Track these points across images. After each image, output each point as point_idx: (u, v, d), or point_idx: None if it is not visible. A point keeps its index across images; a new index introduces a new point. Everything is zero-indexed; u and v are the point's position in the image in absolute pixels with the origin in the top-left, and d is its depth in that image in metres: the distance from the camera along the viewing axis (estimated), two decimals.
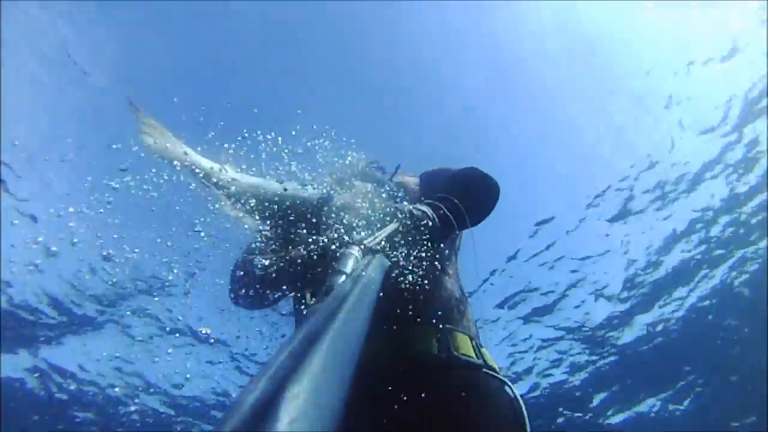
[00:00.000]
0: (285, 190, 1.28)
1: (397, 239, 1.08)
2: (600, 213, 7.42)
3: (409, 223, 1.09)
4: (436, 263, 1.32)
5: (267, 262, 1.25)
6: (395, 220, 1.09)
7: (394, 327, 1.14)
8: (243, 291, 1.33)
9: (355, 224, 1.27)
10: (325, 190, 1.35)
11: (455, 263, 1.52)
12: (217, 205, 1.26)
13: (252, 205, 1.28)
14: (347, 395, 0.39)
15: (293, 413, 0.29)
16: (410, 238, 1.10)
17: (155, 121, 1.25)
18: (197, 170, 1.25)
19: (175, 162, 1.22)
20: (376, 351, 1.11)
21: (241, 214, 1.30)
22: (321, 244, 1.24)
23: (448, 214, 1.21)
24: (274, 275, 1.26)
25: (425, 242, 1.14)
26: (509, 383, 1.14)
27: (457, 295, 1.37)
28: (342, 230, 1.25)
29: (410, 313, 1.18)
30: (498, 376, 1.14)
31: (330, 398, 0.35)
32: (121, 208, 1.32)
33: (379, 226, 1.14)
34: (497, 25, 7.55)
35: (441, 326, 1.19)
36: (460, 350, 1.14)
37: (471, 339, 1.20)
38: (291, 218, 1.30)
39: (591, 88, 7.64)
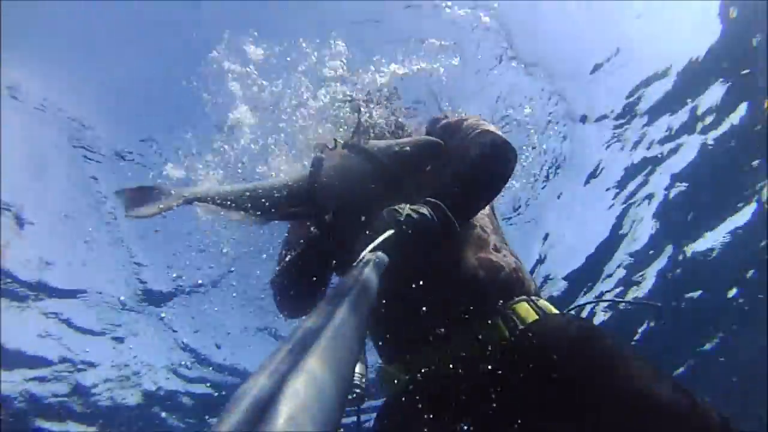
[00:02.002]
0: (272, 189, 1.34)
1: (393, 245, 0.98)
2: None
3: (407, 229, 1.01)
4: (482, 252, 1.28)
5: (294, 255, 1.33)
6: (392, 225, 1.01)
7: (462, 330, 1.16)
8: (291, 297, 1.37)
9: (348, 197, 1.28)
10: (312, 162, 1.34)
11: (496, 225, 1.44)
12: (222, 213, 1.36)
13: (253, 209, 1.34)
14: (347, 393, 0.39)
15: (292, 410, 0.29)
16: (409, 246, 1.02)
17: (136, 192, 1.35)
18: (195, 203, 1.36)
19: (173, 207, 1.33)
20: (454, 359, 1.14)
21: (248, 218, 1.36)
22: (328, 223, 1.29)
23: (450, 215, 1.10)
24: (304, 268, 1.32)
25: (425, 246, 1.06)
26: (572, 314, 1.20)
27: (512, 265, 1.29)
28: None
29: (473, 309, 1.18)
30: (561, 314, 1.19)
31: (329, 396, 0.35)
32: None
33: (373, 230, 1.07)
34: None
35: (504, 307, 1.18)
36: (526, 321, 1.15)
37: (529, 301, 1.20)
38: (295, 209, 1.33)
39: None
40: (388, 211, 1.06)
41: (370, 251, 0.86)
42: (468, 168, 1.23)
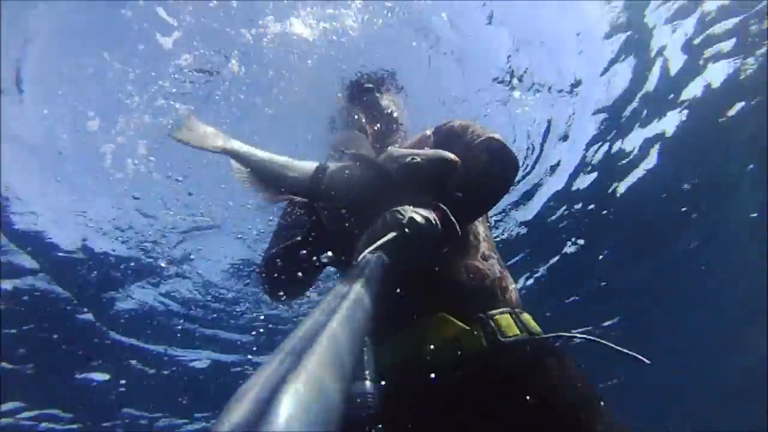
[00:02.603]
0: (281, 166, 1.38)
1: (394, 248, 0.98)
2: None
3: (409, 232, 1.00)
4: (471, 259, 1.29)
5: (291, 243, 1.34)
6: (395, 227, 1.00)
7: (437, 332, 1.17)
8: (281, 284, 1.38)
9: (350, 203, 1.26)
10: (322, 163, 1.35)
11: (488, 234, 1.45)
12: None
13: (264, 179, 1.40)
14: (348, 393, 0.39)
15: (292, 410, 0.29)
16: (410, 250, 1.02)
17: (190, 121, 1.48)
18: (231, 154, 1.43)
19: (210, 149, 1.43)
20: (425, 362, 1.14)
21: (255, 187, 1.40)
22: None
23: (453, 220, 1.09)
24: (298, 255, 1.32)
25: (426, 250, 1.06)
26: (558, 334, 1.20)
27: (497, 275, 1.30)
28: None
29: (450, 309, 1.19)
30: (541, 337, 1.19)
31: (330, 396, 0.34)
32: None
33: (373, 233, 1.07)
34: None
35: (483, 315, 1.19)
36: (505, 333, 1.16)
37: (512, 314, 1.22)
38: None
39: None
40: (391, 212, 1.04)
41: (371, 251, 0.86)
42: (476, 174, 1.23)
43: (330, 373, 0.36)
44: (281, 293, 1.41)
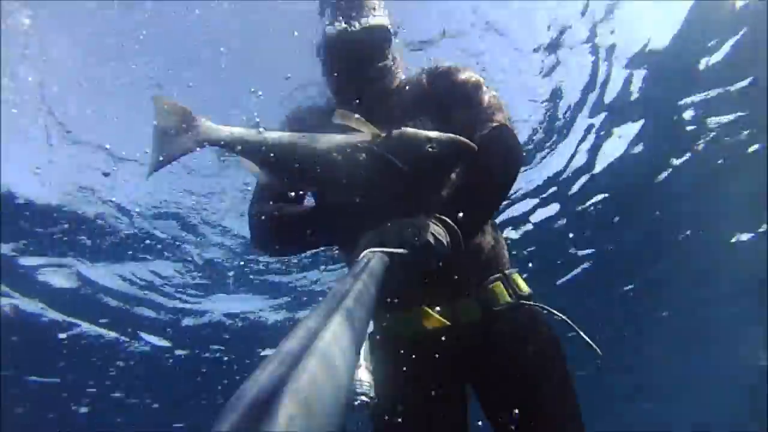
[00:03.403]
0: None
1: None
2: None
3: (419, 254, 1.00)
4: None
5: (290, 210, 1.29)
6: (408, 246, 0.98)
7: (436, 302, 1.24)
8: (271, 241, 1.38)
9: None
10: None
11: None
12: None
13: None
14: (349, 393, 0.39)
15: (293, 410, 0.29)
16: (415, 267, 1.02)
17: (174, 110, 1.23)
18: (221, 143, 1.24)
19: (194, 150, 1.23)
20: (427, 330, 1.24)
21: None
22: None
23: (461, 242, 1.09)
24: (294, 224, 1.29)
25: (429, 267, 1.05)
26: (542, 306, 1.34)
27: (491, 243, 1.37)
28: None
29: (449, 284, 1.26)
30: (530, 304, 1.34)
31: (331, 395, 0.34)
32: None
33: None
34: None
35: (481, 287, 1.31)
36: (499, 300, 1.30)
37: (503, 280, 1.33)
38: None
39: None
40: (408, 228, 1.02)
41: (372, 252, 0.86)
42: (490, 185, 1.22)
43: (331, 373, 0.36)
44: (270, 248, 1.42)
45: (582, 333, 1.26)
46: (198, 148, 1.22)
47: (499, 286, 1.30)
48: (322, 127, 1.20)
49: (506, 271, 1.35)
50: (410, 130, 1.13)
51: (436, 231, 1.05)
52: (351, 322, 0.47)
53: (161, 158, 1.21)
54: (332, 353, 0.39)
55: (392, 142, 1.11)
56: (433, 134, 1.11)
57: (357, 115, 1.12)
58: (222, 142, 1.22)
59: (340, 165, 1.14)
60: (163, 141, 1.21)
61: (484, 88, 1.38)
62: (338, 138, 1.16)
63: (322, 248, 1.53)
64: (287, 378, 0.32)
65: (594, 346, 1.27)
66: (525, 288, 1.35)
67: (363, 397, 0.83)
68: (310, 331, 0.41)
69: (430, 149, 1.09)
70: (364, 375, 0.83)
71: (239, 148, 1.22)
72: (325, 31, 1.42)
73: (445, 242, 1.05)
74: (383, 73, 1.42)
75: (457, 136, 1.12)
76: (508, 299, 1.29)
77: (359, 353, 0.48)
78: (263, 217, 1.32)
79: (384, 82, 1.43)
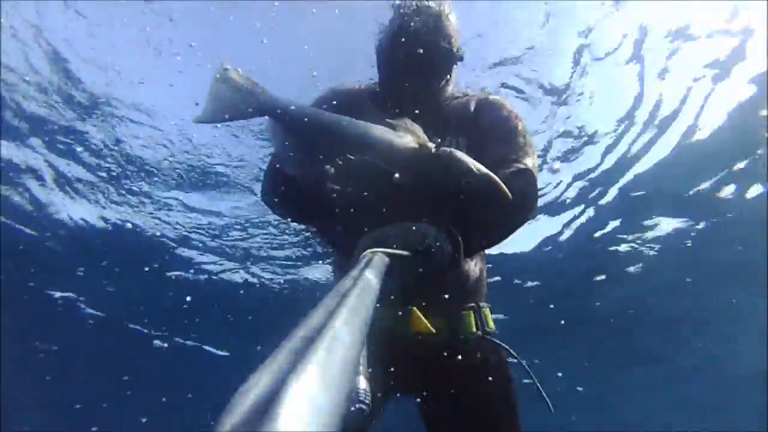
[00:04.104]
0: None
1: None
2: None
3: (422, 258, 1.00)
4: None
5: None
6: (412, 249, 0.98)
7: (407, 314, 1.26)
8: (273, 202, 1.37)
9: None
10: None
11: None
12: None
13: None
14: (349, 394, 0.39)
15: (293, 410, 0.29)
16: (415, 272, 1.02)
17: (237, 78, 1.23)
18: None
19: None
20: (395, 334, 1.27)
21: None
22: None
23: (461, 254, 1.10)
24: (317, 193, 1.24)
25: (428, 273, 1.06)
26: (501, 345, 1.41)
27: (477, 274, 1.41)
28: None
29: (430, 301, 1.27)
30: (492, 340, 1.40)
31: (331, 396, 0.34)
32: None
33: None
34: None
35: (453, 310, 1.35)
36: (465, 330, 1.35)
37: (476, 311, 1.38)
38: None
39: None
40: (415, 231, 1.03)
41: (373, 252, 0.85)
42: (502, 216, 1.23)
43: (332, 373, 0.36)
44: (272, 206, 1.42)
45: (537, 384, 1.35)
46: (255, 116, 1.21)
47: (470, 316, 1.36)
48: (361, 112, 1.19)
49: (480, 303, 1.40)
50: (457, 153, 1.12)
51: (440, 238, 1.05)
52: (353, 321, 0.47)
53: (213, 114, 1.22)
54: (334, 352, 0.38)
55: (438, 160, 1.11)
56: (476, 167, 1.11)
57: (412, 124, 1.16)
58: (280, 114, 1.20)
59: (388, 160, 1.13)
60: (217, 99, 1.22)
61: (522, 131, 1.41)
62: (391, 135, 1.15)
63: (317, 238, 1.53)
64: (288, 378, 0.32)
65: (547, 400, 1.35)
66: (492, 324, 1.41)
67: (361, 405, 0.82)
68: (312, 330, 0.41)
69: (464, 183, 1.09)
70: (362, 383, 0.82)
71: (295, 123, 1.19)
72: (390, 23, 1.41)
73: (447, 252, 1.05)
74: (438, 89, 1.45)
75: (498, 179, 1.11)
76: (474, 330, 1.36)
77: (361, 352, 0.48)
78: (275, 169, 1.33)
79: (436, 96, 1.46)
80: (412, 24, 1.34)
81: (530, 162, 1.34)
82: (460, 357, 1.34)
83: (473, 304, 1.38)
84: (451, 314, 1.34)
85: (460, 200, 1.13)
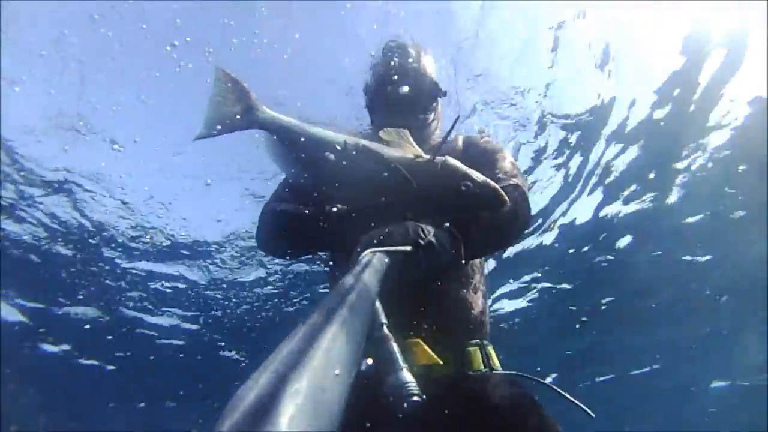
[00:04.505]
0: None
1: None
2: None
3: (422, 254, 1.00)
4: (464, 288, 1.32)
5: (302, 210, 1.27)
6: (412, 243, 0.98)
7: (413, 355, 1.17)
8: (270, 242, 1.40)
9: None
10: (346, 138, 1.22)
11: (482, 263, 1.47)
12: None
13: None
14: (349, 393, 0.39)
15: (293, 410, 0.29)
16: (413, 269, 1.01)
17: (230, 82, 1.26)
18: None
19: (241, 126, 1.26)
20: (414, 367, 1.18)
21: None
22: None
23: (461, 254, 1.09)
24: (304, 228, 1.27)
25: (427, 273, 1.05)
26: (513, 376, 1.29)
27: (480, 308, 1.37)
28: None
29: (432, 333, 1.22)
30: (502, 372, 1.29)
31: (331, 396, 0.34)
32: None
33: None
34: None
35: (458, 344, 1.27)
36: (472, 366, 1.26)
37: (481, 347, 1.30)
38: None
39: None
40: (415, 227, 1.03)
41: (373, 252, 0.85)
42: (499, 220, 1.23)
43: (332, 373, 0.36)
44: (269, 248, 1.44)
45: (569, 396, 1.21)
46: (250, 128, 1.23)
47: (476, 351, 1.29)
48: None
49: (484, 341, 1.35)
50: (453, 160, 1.14)
51: (441, 235, 1.05)
52: (352, 322, 0.47)
53: (211, 130, 1.22)
54: (333, 353, 0.38)
55: (432, 167, 1.13)
56: (473, 172, 1.12)
57: (403, 131, 1.15)
58: (276, 129, 1.24)
59: (384, 172, 1.15)
60: (216, 112, 1.23)
61: (508, 157, 1.48)
62: (387, 149, 1.18)
63: (316, 255, 1.49)
64: (288, 378, 0.32)
65: (585, 408, 1.20)
66: (497, 363, 1.34)
67: (415, 398, 0.81)
68: (311, 331, 0.41)
69: (463, 187, 1.10)
70: (407, 377, 0.81)
71: (291, 138, 1.23)
72: (374, 67, 1.50)
73: (448, 248, 1.05)
74: (423, 125, 1.50)
75: (495, 184, 1.11)
76: (481, 366, 1.27)
77: (360, 353, 0.48)
78: (275, 211, 1.34)
79: (422, 133, 1.49)
80: (394, 63, 1.44)
81: (521, 181, 1.41)
82: (474, 395, 1.22)
83: (478, 341, 1.32)
84: (456, 349, 1.27)
85: (458, 206, 1.13)
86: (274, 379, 0.32)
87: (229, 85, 1.24)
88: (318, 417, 0.31)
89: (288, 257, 1.49)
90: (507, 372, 1.29)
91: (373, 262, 0.77)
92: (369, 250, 0.85)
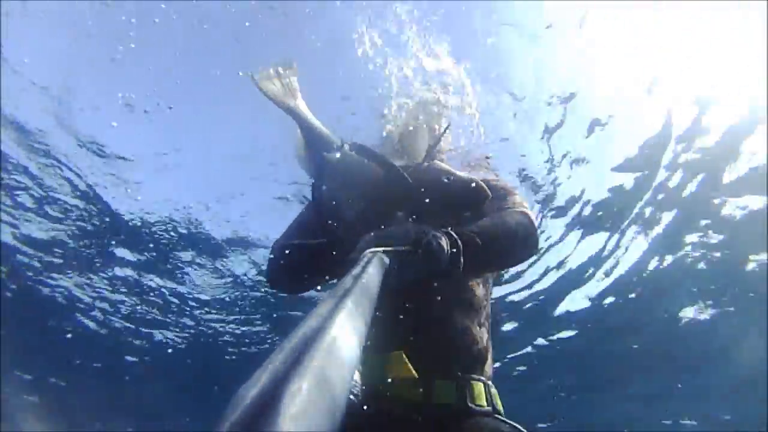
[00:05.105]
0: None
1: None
2: None
3: (421, 254, 0.99)
4: (467, 318, 1.31)
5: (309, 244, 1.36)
6: (412, 244, 0.99)
7: (417, 377, 1.13)
8: (282, 276, 1.45)
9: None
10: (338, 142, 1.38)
11: (488, 301, 1.46)
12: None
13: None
14: (349, 394, 0.39)
15: (294, 410, 0.29)
16: (411, 270, 1.01)
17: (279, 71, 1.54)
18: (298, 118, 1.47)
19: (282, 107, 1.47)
20: (394, 397, 1.17)
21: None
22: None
23: (460, 262, 1.08)
24: (314, 263, 1.35)
25: (424, 275, 1.04)
26: (515, 425, 1.21)
27: (485, 344, 1.36)
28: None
29: (435, 364, 1.21)
30: (505, 420, 1.22)
31: (332, 396, 0.34)
32: None
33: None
34: None
35: (462, 376, 1.25)
36: (475, 401, 1.22)
37: (485, 385, 1.27)
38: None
39: None
40: (416, 228, 1.04)
41: (373, 251, 0.85)
42: (502, 230, 1.24)
43: (334, 372, 0.36)
44: (281, 283, 1.48)
45: None
46: (283, 108, 1.44)
47: (479, 386, 1.25)
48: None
49: (488, 381, 1.31)
50: (439, 163, 1.25)
51: (441, 236, 1.06)
52: (353, 320, 0.47)
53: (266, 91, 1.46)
54: (335, 352, 0.38)
55: (422, 167, 1.24)
56: (459, 172, 1.20)
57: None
58: (302, 122, 1.45)
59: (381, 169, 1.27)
60: (267, 81, 1.49)
61: (514, 191, 1.52)
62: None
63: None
64: (289, 377, 0.32)
65: None
66: (500, 406, 1.29)
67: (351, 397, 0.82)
68: (312, 330, 0.41)
69: (445, 179, 1.16)
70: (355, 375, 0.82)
71: (306, 128, 1.44)
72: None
73: (446, 251, 1.05)
74: (431, 155, 1.61)
75: (478, 180, 1.17)
76: (485, 404, 1.23)
77: (361, 352, 0.48)
78: (285, 246, 1.41)
79: (430, 154, 1.64)
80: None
81: (527, 207, 1.41)
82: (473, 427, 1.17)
83: (482, 378, 1.29)
84: (459, 381, 1.22)
85: (446, 199, 1.14)
86: (275, 378, 0.32)
87: (273, 71, 1.52)
88: (321, 417, 0.31)
89: (299, 289, 1.52)
90: (506, 420, 1.22)
91: (373, 261, 0.76)
92: (369, 250, 0.85)
